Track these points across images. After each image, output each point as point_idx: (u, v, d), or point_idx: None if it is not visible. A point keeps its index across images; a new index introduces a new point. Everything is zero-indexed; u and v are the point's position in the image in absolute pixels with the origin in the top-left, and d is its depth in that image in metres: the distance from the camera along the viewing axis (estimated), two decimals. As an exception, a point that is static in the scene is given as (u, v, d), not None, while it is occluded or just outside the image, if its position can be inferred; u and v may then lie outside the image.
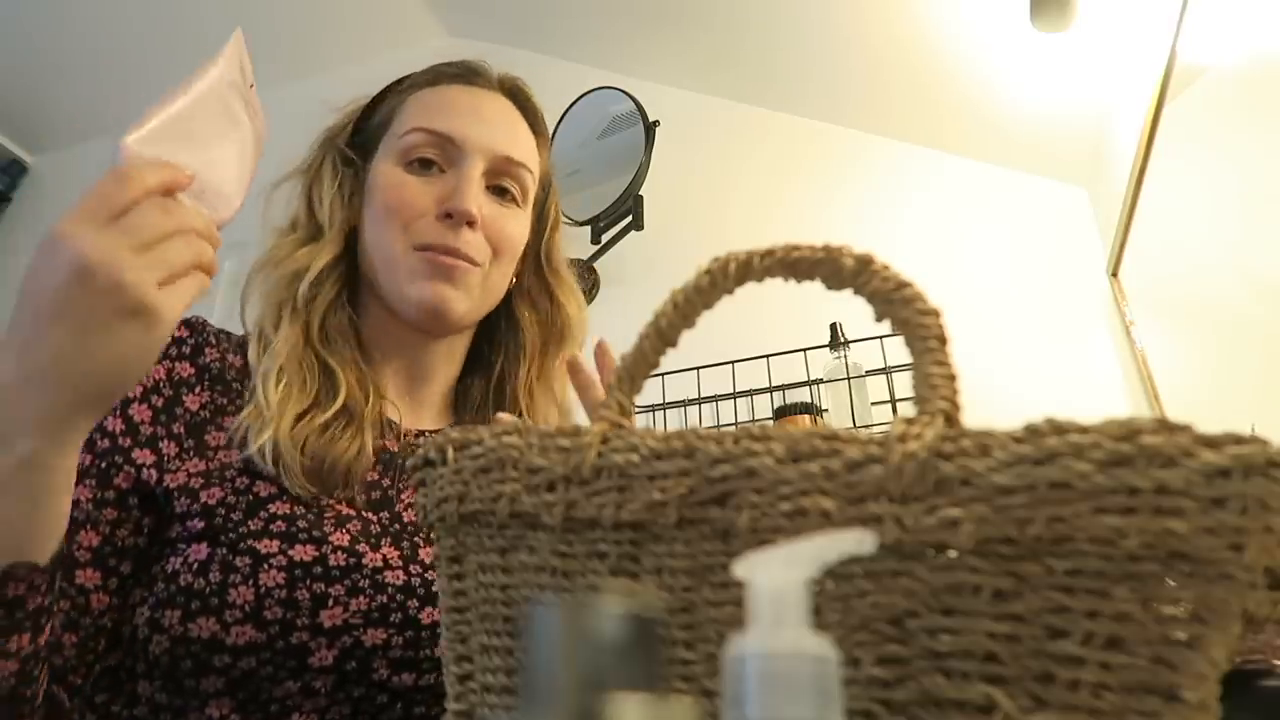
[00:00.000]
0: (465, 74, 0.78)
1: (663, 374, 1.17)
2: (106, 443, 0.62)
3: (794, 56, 1.76)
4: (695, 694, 0.33)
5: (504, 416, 0.70)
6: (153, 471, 0.62)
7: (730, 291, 0.38)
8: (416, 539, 0.67)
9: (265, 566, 0.58)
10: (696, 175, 1.85)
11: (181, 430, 0.64)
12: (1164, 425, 0.27)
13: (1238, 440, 0.27)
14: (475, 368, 0.82)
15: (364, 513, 0.66)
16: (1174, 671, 0.27)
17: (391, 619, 0.60)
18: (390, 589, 0.61)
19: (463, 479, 0.39)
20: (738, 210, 1.78)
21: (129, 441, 0.62)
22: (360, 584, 0.60)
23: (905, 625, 0.30)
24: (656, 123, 1.73)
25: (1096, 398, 1.43)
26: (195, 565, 0.58)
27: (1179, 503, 0.27)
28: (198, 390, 0.67)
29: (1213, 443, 0.27)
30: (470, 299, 0.72)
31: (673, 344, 0.39)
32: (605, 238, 1.77)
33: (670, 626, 0.34)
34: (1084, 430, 0.28)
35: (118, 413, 0.63)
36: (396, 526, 0.67)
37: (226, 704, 0.57)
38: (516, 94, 0.80)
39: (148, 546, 0.62)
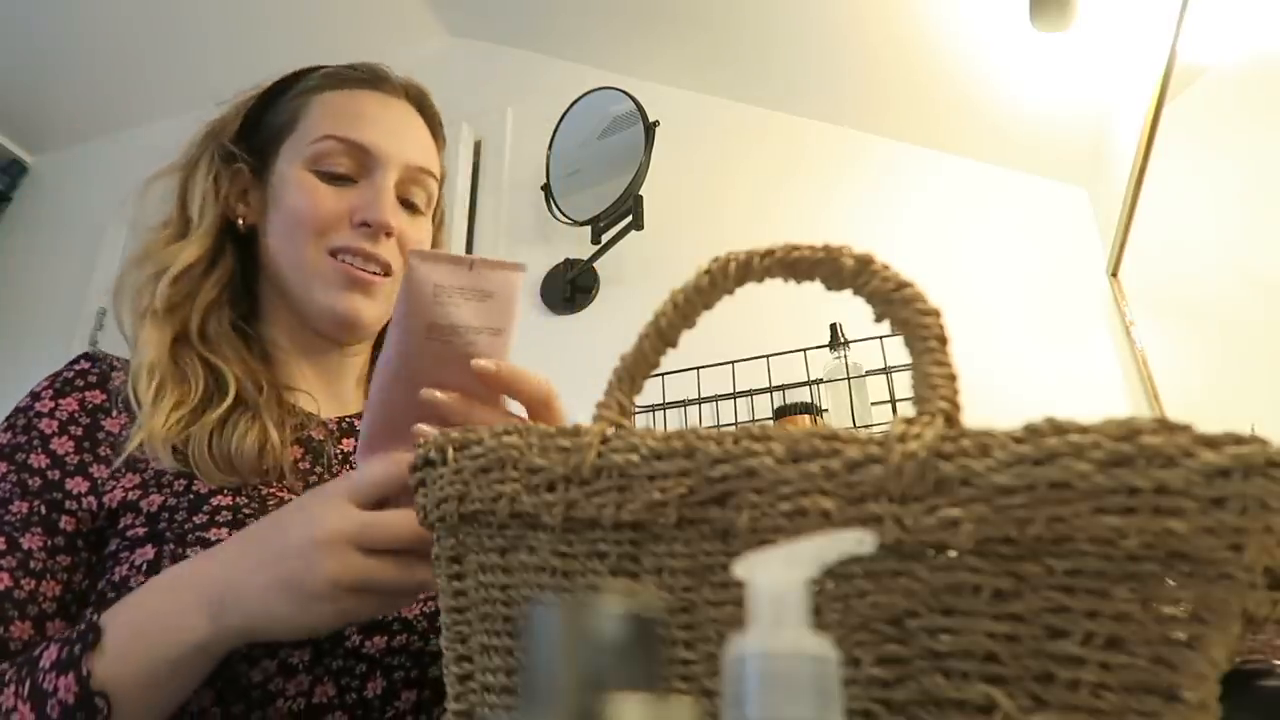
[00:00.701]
0: (372, 79, 0.78)
1: (663, 374, 1.17)
2: (37, 480, 0.62)
3: (794, 56, 1.76)
4: (695, 694, 0.33)
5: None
6: (91, 499, 0.63)
7: (730, 291, 0.38)
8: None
9: None
10: (696, 175, 1.85)
11: (108, 452, 0.65)
12: (1164, 425, 0.27)
13: (1238, 440, 0.27)
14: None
15: (279, 492, 0.67)
16: (1174, 671, 0.27)
17: None
18: None
19: (463, 479, 0.39)
20: (737, 210, 1.78)
21: (58, 474, 0.63)
22: None
23: (905, 625, 0.30)
24: (656, 123, 1.73)
25: (1096, 398, 1.43)
26: (144, 565, 0.59)
27: (1179, 503, 0.27)
28: (114, 414, 0.67)
29: (1213, 443, 0.27)
30: (380, 308, 0.73)
31: (673, 344, 0.39)
32: (605, 238, 1.77)
33: (670, 626, 0.34)
34: (1084, 430, 0.28)
35: (39, 449, 0.64)
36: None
37: (207, 695, 0.56)
38: (421, 100, 0.80)
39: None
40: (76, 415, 0.66)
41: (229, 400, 0.66)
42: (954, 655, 0.29)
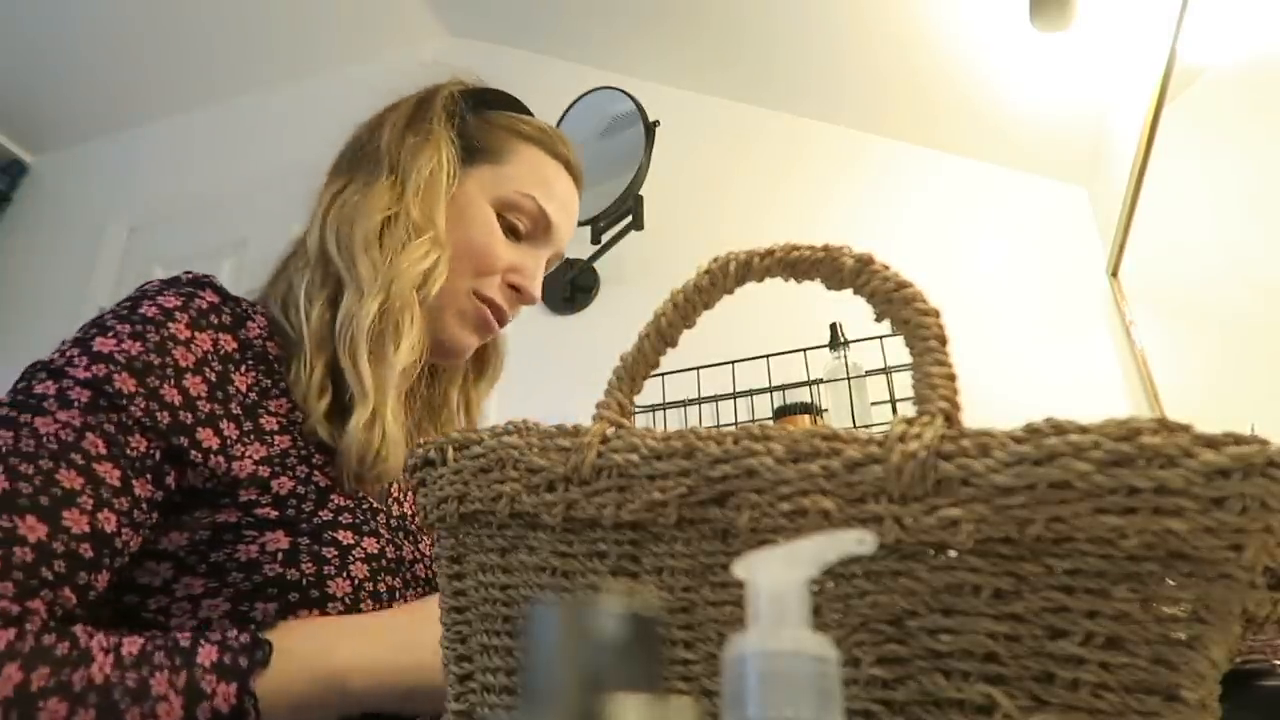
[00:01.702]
0: (572, 164, 0.84)
1: (663, 374, 1.17)
2: (167, 417, 0.56)
3: (794, 56, 1.76)
4: (695, 694, 0.33)
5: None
6: (219, 459, 0.58)
7: (730, 291, 0.38)
8: (408, 529, 0.71)
9: (351, 558, 0.59)
10: (696, 175, 1.85)
11: (239, 411, 0.60)
12: (1164, 425, 0.27)
13: (1238, 440, 0.27)
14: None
15: (376, 504, 0.69)
16: (1174, 671, 0.27)
17: None
18: (419, 583, 0.66)
19: (463, 479, 0.39)
20: (737, 210, 1.78)
21: (190, 418, 0.57)
22: (407, 577, 0.64)
23: (905, 625, 0.30)
24: (656, 123, 1.73)
25: (1096, 398, 1.43)
26: (280, 555, 0.57)
27: (1179, 503, 0.27)
28: (244, 370, 0.63)
29: (1212, 443, 0.27)
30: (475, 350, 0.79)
31: (673, 344, 0.39)
32: (605, 238, 1.77)
33: (670, 626, 0.34)
34: (1084, 430, 0.28)
35: (173, 381, 0.57)
36: (394, 520, 0.70)
37: None
38: (579, 185, 0.86)
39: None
40: (209, 357, 0.60)
41: (410, 419, 0.71)
42: (954, 655, 0.29)
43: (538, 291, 0.78)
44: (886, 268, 0.35)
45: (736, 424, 1.49)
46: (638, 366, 0.39)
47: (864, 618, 0.31)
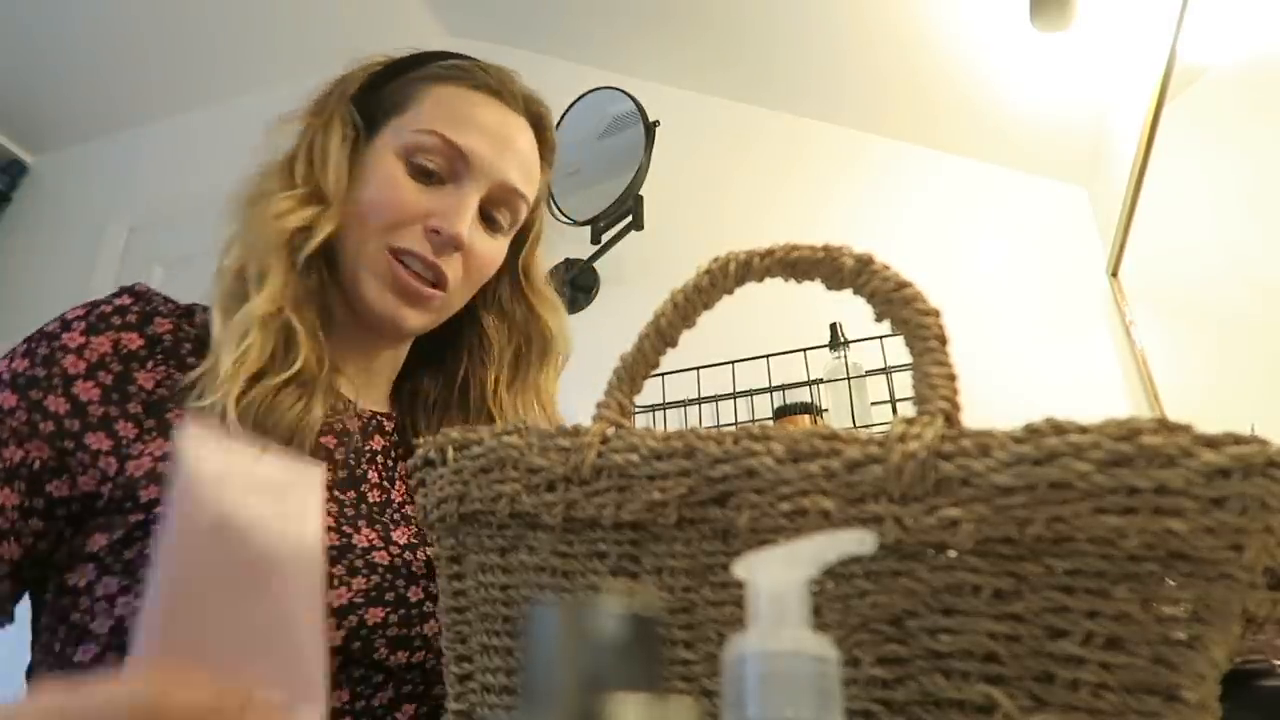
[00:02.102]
0: (498, 89, 0.74)
1: (663, 374, 1.17)
2: (49, 426, 0.56)
3: (794, 56, 1.76)
4: (695, 694, 0.33)
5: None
6: (111, 459, 0.57)
7: (730, 291, 0.38)
8: (384, 519, 0.67)
9: None
10: (696, 175, 1.86)
11: (139, 409, 0.59)
12: (1164, 425, 0.27)
13: (1237, 440, 0.27)
14: (428, 366, 0.80)
15: (334, 492, 0.65)
16: (1174, 671, 0.27)
17: (387, 597, 0.61)
18: (380, 568, 0.61)
19: (463, 479, 0.39)
20: (737, 210, 1.78)
21: (77, 424, 0.57)
22: (356, 564, 0.60)
23: (905, 625, 0.30)
24: (656, 123, 1.73)
25: (1096, 398, 1.43)
26: None
27: (1179, 503, 0.27)
28: (150, 366, 0.62)
29: (1212, 443, 0.27)
30: (427, 319, 0.71)
31: (673, 344, 0.39)
32: (605, 238, 1.77)
33: (670, 626, 0.34)
34: (1084, 430, 0.28)
35: (59, 390, 0.58)
36: (365, 507, 0.66)
37: None
38: (539, 120, 0.77)
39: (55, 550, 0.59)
40: (107, 359, 0.60)
41: (290, 371, 0.63)
42: (954, 655, 0.29)
43: (459, 228, 0.67)
44: (886, 268, 0.35)
45: (736, 424, 1.49)
46: (638, 366, 0.39)
47: (864, 618, 0.31)
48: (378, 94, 0.74)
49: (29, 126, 2.44)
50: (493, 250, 0.74)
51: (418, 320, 0.70)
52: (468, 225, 0.68)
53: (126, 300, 0.64)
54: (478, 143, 0.70)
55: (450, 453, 0.40)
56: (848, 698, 0.30)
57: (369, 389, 0.76)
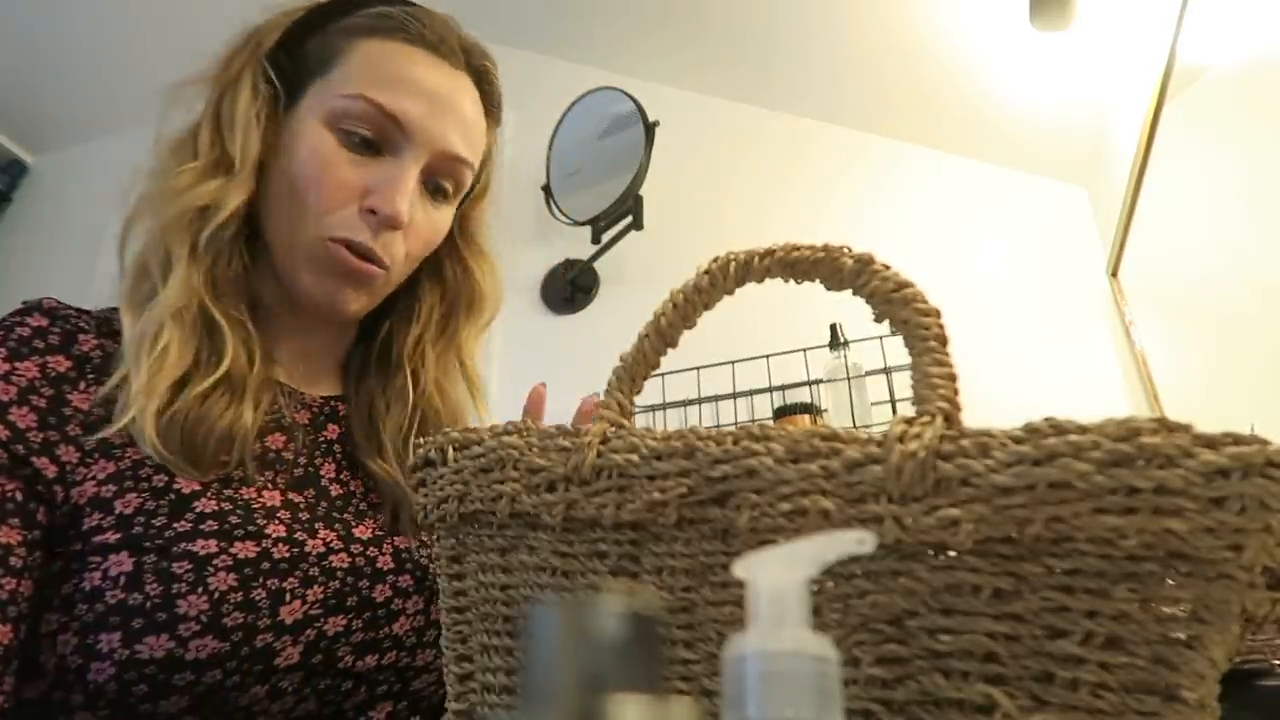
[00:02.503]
0: (431, 41, 0.65)
1: (663, 374, 1.17)
2: (3, 455, 0.53)
3: (794, 56, 1.76)
4: (695, 694, 0.33)
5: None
6: (58, 488, 0.54)
7: (730, 291, 0.38)
8: (346, 515, 0.63)
9: (210, 569, 0.52)
10: (696, 175, 1.86)
11: (77, 432, 0.56)
12: (1163, 425, 0.27)
13: (1237, 440, 0.27)
14: (363, 333, 0.75)
15: (288, 494, 0.61)
16: (1173, 671, 0.27)
17: (348, 603, 0.58)
18: (340, 573, 0.58)
19: (463, 479, 0.39)
20: (737, 210, 1.78)
21: (23, 449, 0.53)
22: (311, 573, 0.56)
23: (905, 625, 0.30)
24: (656, 123, 1.73)
25: (1096, 398, 1.43)
26: (122, 579, 0.51)
27: (1178, 503, 0.27)
28: (83, 386, 0.58)
29: (1212, 443, 0.27)
30: (370, 299, 0.66)
31: (673, 344, 0.39)
32: (605, 238, 1.77)
33: (670, 626, 0.34)
34: (1084, 430, 0.28)
35: None
36: (324, 505, 0.63)
37: (189, 716, 0.52)
38: (481, 73, 0.69)
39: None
40: (37, 383, 0.56)
41: (218, 374, 0.58)
42: (954, 655, 0.29)
43: (397, 207, 0.61)
44: (886, 268, 0.35)
45: (736, 424, 1.49)
46: (638, 366, 0.39)
47: (864, 618, 0.31)
48: (300, 50, 0.66)
49: (29, 126, 2.44)
50: (436, 221, 0.67)
51: (358, 303, 0.65)
52: (407, 202, 0.62)
53: (42, 321, 0.59)
54: (414, 107, 0.62)
55: (450, 453, 0.40)
56: (848, 698, 0.30)
57: (314, 374, 0.71)
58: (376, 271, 0.63)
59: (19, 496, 0.53)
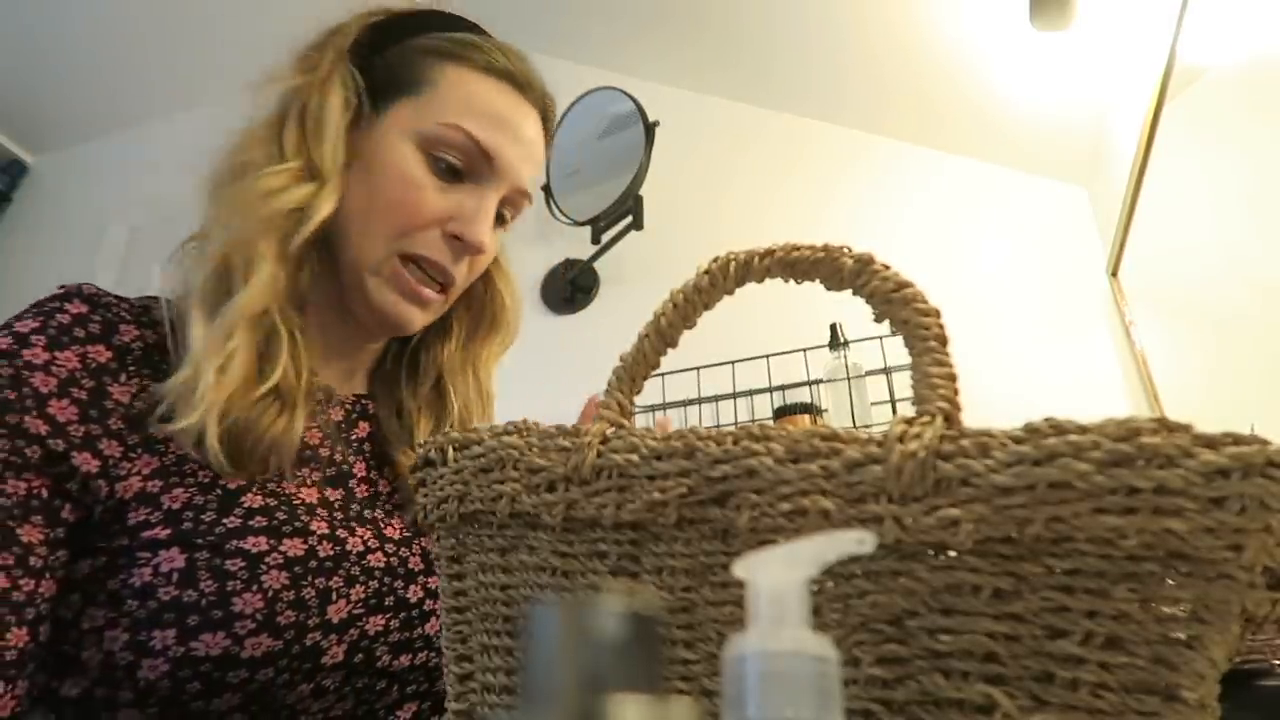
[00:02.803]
0: (520, 82, 0.69)
1: (663, 374, 1.17)
2: (36, 451, 0.52)
3: (794, 56, 1.76)
4: (695, 694, 0.33)
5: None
6: (101, 483, 0.54)
7: (730, 291, 0.38)
8: (376, 515, 0.64)
9: (263, 566, 0.53)
10: (697, 175, 1.85)
11: (120, 425, 0.55)
12: (1163, 425, 0.27)
13: (1237, 440, 0.27)
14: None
15: (323, 491, 0.62)
16: (1173, 671, 0.27)
17: (386, 603, 0.59)
18: (377, 572, 0.59)
19: (463, 479, 0.39)
20: (737, 210, 1.78)
21: (62, 444, 0.52)
22: (353, 572, 0.58)
23: (905, 625, 0.30)
24: (656, 123, 1.73)
25: (1096, 398, 1.43)
26: (175, 576, 0.51)
27: (1178, 503, 0.27)
28: (124, 379, 0.57)
29: (1212, 443, 0.27)
30: (429, 317, 0.69)
31: (673, 344, 0.39)
32: (605, 238, 1.77)
33: (670, 626, 0.34)
34: (1084, 430, 0.28)
35: (34, 411, 0.52)
36: (355, 506, 0.64)
37: (240, 714, 0.53)
38: (548, 113, 0.73)
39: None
40: (78, 375, 0.55)
41: (269, 384, 0.58)
42: (954, 655, 0.29)
43: (482, 237, 0.64)
44: (886, 268, 0.35)
45: (736, 424, 1.49)
46: (638, 366, 0.39)
47: (864, 618, 0.31)
48: (380, 56, 0.67)
49: (29, 126, 2.44)
50: (496, 246, 0.71)
51: (421, 321, 0.68)
52: (489, 232, 0.65)
53: (82, 308, 0.58)
54: (505, 145, 0.66)
55: (450, 453, 0.40)
56: (848, 698, 0.30)
57: (348, 373, 0.73)
58: (436, 296, 0.66)
59: (44, 494, 0.52)
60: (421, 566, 0.63)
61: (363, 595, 0.58)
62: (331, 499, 0.62)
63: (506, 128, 0.66)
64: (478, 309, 0.77)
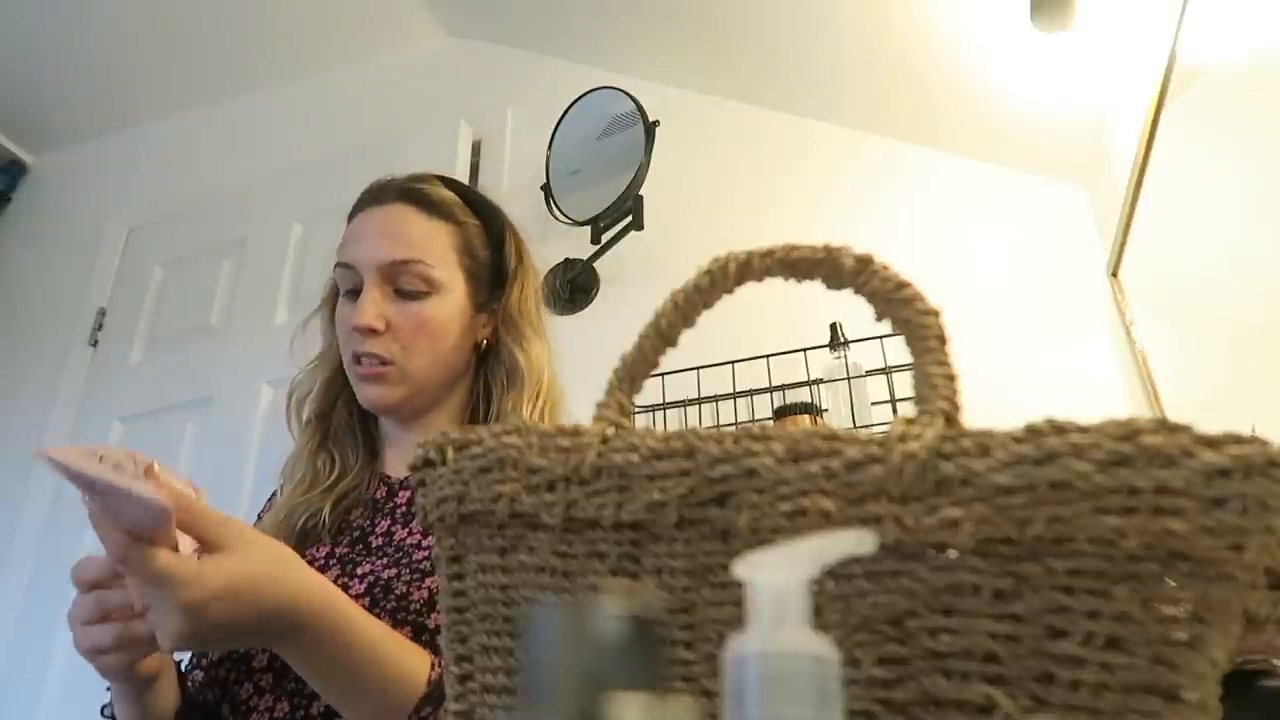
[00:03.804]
0: (373, 196, 0.90)
1: (663, 374, 1.17)
2: None
3: (794, 56, 1.76)
4: (695, 694, 0.33)
5: None
6: None
7: (730, 291, 0.38)
8: (364, 562, 0.79)
9: None
10: (696, 175, 1.85)
11: None
12: (1164, 425, 0.27)
13: (1238, 440, 0.27)
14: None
15: (335, 549, 0.82)
16: (1174, 671, 0.27)
17: None
18: None
19: (462, 479, 0.39)
20: (737, 210, 1.78)
21: None
22: None
23: (905, 625, 0.30)
24: (656, 123, 1.72)
25: (1096, 398, 1.42)
26: None
27: (1179, 503, 0.27)
28: None
29: (1213, 443, 0.27)
30: (397, 389, 0.85)
31: (673, 344, 0.39)
32: (605, 238, 1.77)
33: (670, 626, 0.34)
34: (1084, 430, 0.28)
35: None
36: (352, 550, 0.82)
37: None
38: (411, 194, 0.89)
39: None
40: None
41: (327, 482, 0.86)
42: (954, 655, 0.29)
43: (361, 319, 0.83)
44: (886, 268, 0.35)
45: (736, 424, 1.49)
46: (638, 366, 0.39)
47: (864, 618, 0.31)
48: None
49: (29, 126, 2.44)
50: (415, 314, 0.85)
51: (375, 392, 0.85)
52: (369, 314, 0.83)
53: None
54: (355, 250, 0.86)
55: (450, 453, 0.40)
56: (848, 698, 0.30)
57: (401, 459, 0.91)
58: (377, 369, 0.84)
59: None
60: (360, 590, 0.75)
61: None
62: (338, 551, 0.83)
63: (357, 236, 0.87)
64: (501, 373, 0.92)
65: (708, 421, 1.53)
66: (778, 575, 0.24)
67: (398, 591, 0.73)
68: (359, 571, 0.76)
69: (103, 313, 2.10)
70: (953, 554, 0.30)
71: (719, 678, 0.25)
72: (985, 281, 1.56)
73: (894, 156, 1.75)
